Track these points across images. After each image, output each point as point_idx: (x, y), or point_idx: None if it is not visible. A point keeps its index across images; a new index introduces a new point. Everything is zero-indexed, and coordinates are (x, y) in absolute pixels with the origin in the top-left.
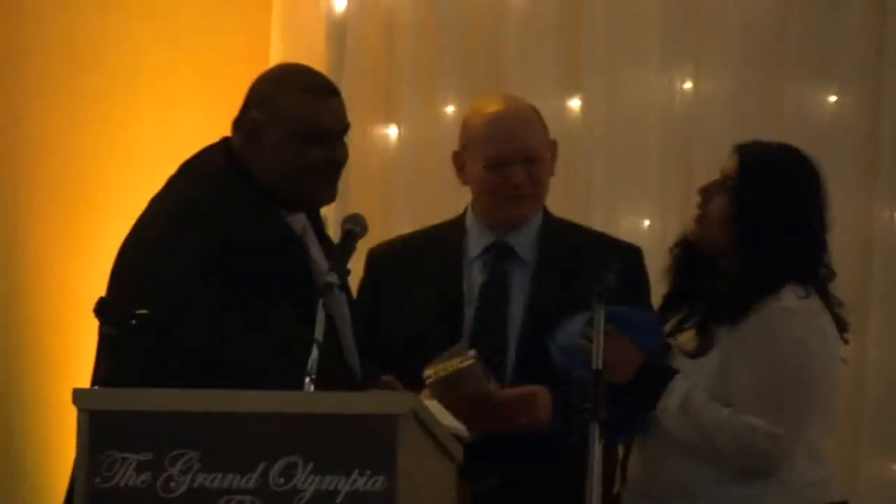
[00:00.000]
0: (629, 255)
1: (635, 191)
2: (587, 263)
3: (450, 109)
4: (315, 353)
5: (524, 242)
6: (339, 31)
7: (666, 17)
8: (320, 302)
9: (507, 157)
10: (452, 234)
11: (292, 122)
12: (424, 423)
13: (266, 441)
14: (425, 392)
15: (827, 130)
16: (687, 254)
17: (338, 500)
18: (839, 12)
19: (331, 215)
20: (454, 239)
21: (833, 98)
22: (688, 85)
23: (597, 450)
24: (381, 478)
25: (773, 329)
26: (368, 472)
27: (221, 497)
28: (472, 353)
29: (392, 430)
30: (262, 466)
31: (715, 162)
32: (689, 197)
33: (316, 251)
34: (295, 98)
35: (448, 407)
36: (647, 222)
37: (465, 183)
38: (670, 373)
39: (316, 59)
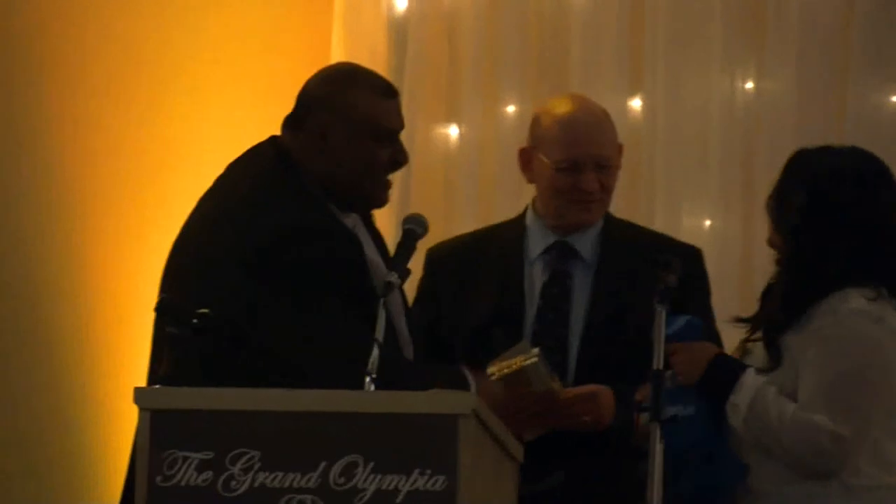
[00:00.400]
0: (688, 256)
1: (697, 191)
2: (648, 264)
3: (511, 109)
4: (376, 351)
5: (586, 243)
6: (400, 31)
7: (727, 16)
8: (381, 301)
9: (579, 161)
10: (512, 234)
11: (365, 121)
12: (485, 423)
13: (327, 440)
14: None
15: (890, 130)
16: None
17: (398, 500)
18: None
19: (392, 215)
20: (514, 238)
21: (895, 98)
22: (749, 84)
23: (657, 449)
24: (441, 477)
25: (841, 329)
26: (429, 472)
27: (282, 496)
28: (535, 350)
29: (453, 429)
30: (322, 465)
31: (776, 162)
32: (751, 197)
33: (370, 249)
34: (366, 97)
35: (511, 403)
36: (708, 222)
37: (531, 180)
38: (741, 368)
39: (378, 59)
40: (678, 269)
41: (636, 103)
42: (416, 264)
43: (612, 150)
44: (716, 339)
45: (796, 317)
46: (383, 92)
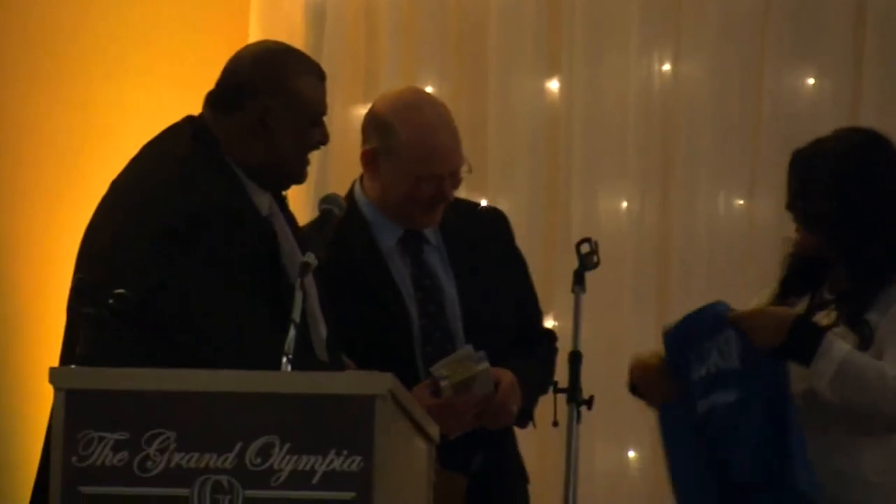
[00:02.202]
0: (498, 218)
1: (614, 173)
2: (477, 232)
3: (429, 90)
4: (293, 332)
5: (429, 228)
6: (318, 11)
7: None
8: (299, 281)
9: (443, 174)
10: (353, 228)
11: (307, 107)
12: (402, 404)
13: (243, 421)
14: (429, 386)
15: (806, 113)
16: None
17: (314, 480)
18: None
19: (310, 196)
20: (360, 231)
21: (812, 81)
22: (667, 67)
23: (574, 429)
24: (358, 458)
25: None
26: (345, 452)
27: (198, 476)
28: (481, 354)
29: (369, 410)
30: (238, 446)
31: (694, 145)
32: (668, 180)
33: (285, 231)
34: (308, 84)
35: (458, 407)
36: (625, 204)
37: (375, 179)
38: (822, 332)
39: (296, 39)
40: (597, 249)
41: (554, 85)
42: None
43: (461, 159)
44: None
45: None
46: (320, 76)
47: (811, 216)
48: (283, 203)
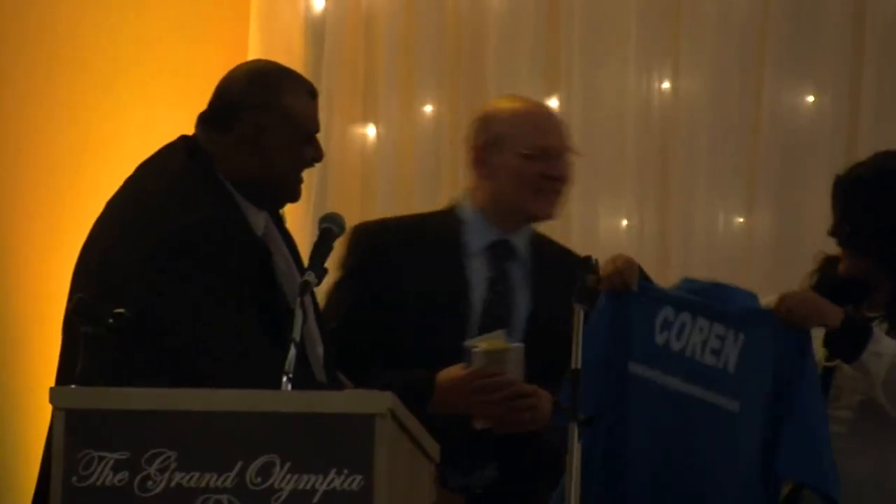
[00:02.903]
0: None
1: (613, 190)
2: (564, 271)
3: (428, 109)
4: (293, 351)
5: (520, 243)
6: (317, 30)
7: (644, 16)
8: (298, 300)
9: (549, 149)
10: (447, 226)
11: (301, 125)
12: (402, 423)
13: (243, 440)
14: (459, 366)
15: (805, 131)
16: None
17: (315, 499)
18: (817, 12)
19: (309, 215)
20: (450, 231)
21: (811, 98)
22: (666, 85)
23: (576, 448)
24: (358, 477)
25: None
26: (346, 472)
27: (199, 496)
28: (518, 341)
29: (370, 429)
30: (239, 465)
31: (693, 162)
32: (667, 197)
33: (281, 250)
34: (301, 101)
35: (488, 383)
36: (625, 222)
37: (485, 177)
38: (869, 322)
39: (294, 58)
40: (598, 269)
41: (553, 103)
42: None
43: (571, 143)
44: None
45: None
46: (312, 94)
47: (860, 239)
48: (280, 223)
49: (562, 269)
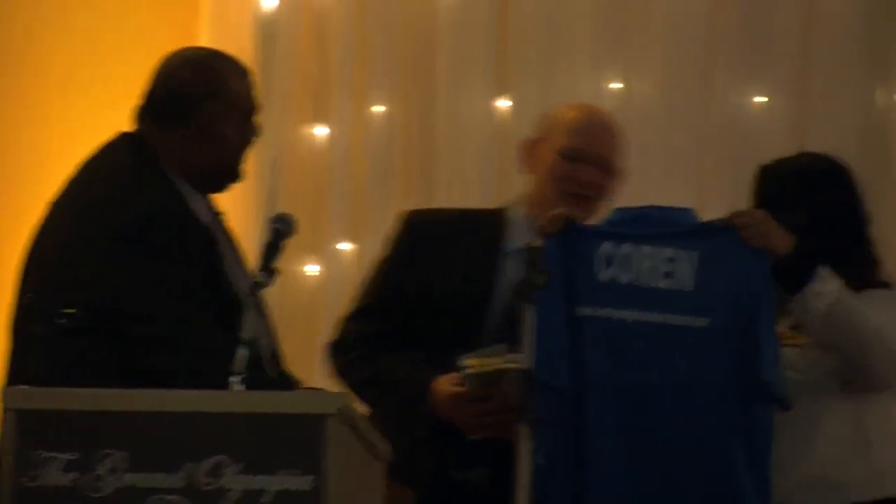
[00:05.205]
0: None
1: None
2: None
3: (380, 110)
4: (243, 351)
5: None
6: (268, 30)
7: (595, 17)
8: (250, 300)
9: (583, 152)
10: (494, 223)
11: (246, 106)
12: (353, 423)
13: (194, 440)
14: (454, 378)
15: (755, 131)
16: None
17: (265, 500)
18: (768, 14)
19: (260, 215)
20: (496, 229)
21: (762, 99)
22: (617, 85)
23: (524, 450)
24: (309, 477)
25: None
26: (297, 472)
27: (149, 496)
28: (519, 356)
29: (321, 429)
30: (189, 466)
31: (643, 162)
32: (618, 196)
33: (226, 240)
34: (241, 82)
35: (475, 402)
36: None
37: (530, 171)
38: (816, 259)
39: (245, 58)
40: (542, 264)
41: (504, 104)
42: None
43: (616, 156)
44: None
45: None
46: (245, 72)
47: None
48: (221, 218)
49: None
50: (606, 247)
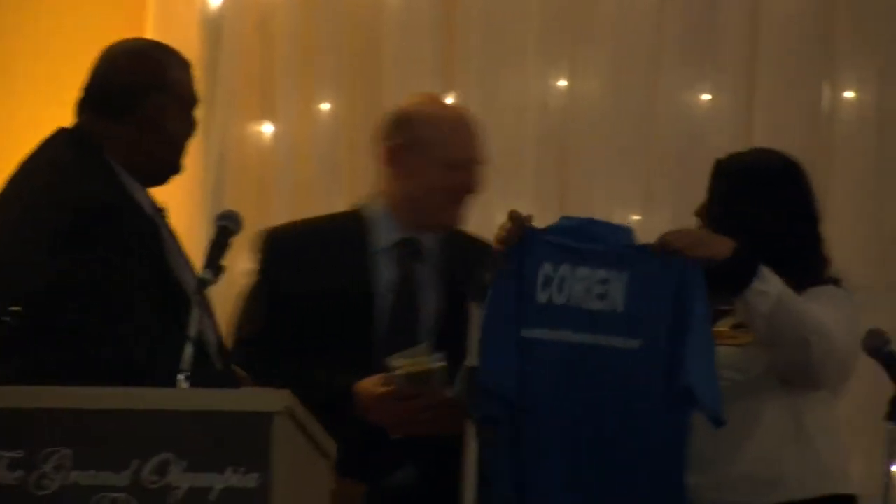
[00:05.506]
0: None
1: (511, 189)
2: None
3: (326, 107)
4: (189, 349)
5: (431, 242)
6: (213, 28)
7: (541, 14)
8: (195, 298)
9: (470, 160)
10: (352, 226)
11: (190, 96)
12: (299, 421)
13: (139, 438)
14: (383, 379)
15: (701, 129)
16: None
17: (212, 497)
18: (714, 12)
19: (206, 213)
20: (356, 230)
21: (707, 96)
22: (563, 83)
23: (472, 447)
24: (255, 475)
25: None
26: (243, 469)
27: (94, 494)
28: (439, 355)
29: (267, 427)
30: (135, 463)
31: (590, 160)
32: (565, 195)
33: (170, 233)
34: (184, 72)
35: (411, 404)
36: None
37: (400, 177)
38: (758, 259)
39: (191, 56)
40: (493, 265)
41: (449, 101)
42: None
43: (483, 149)
44: None
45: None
46: (186, 62)
47: (731, 222)
48: (163, 213)
49: (476, 266)
50: (546, 268)
